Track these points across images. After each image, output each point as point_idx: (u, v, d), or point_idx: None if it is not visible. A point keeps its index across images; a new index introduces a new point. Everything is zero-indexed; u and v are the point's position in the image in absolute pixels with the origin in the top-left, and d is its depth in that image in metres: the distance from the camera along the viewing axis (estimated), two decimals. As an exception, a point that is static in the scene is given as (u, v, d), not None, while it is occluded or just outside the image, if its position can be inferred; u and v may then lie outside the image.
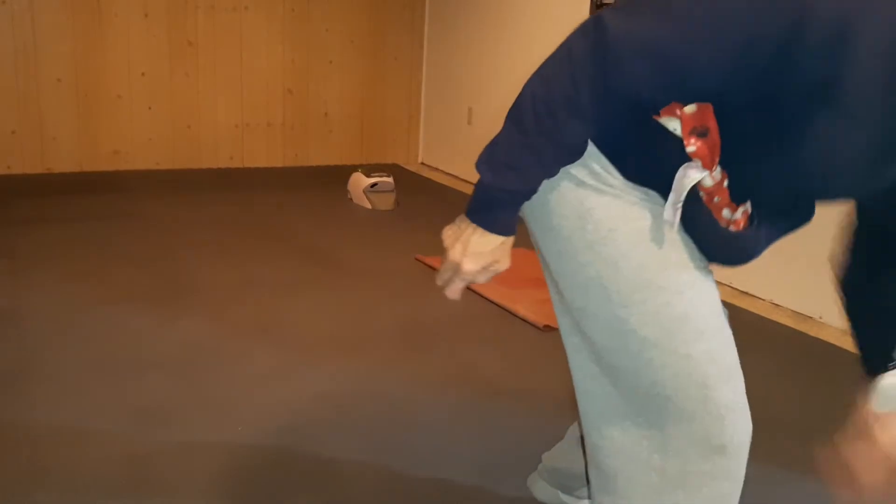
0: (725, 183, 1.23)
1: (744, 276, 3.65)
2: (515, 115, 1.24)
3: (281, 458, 2.15)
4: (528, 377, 2.74)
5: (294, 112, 6.04)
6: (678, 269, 1.26)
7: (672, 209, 1.21)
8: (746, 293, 3.63)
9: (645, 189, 1.25)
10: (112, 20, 5.30)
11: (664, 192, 1.22)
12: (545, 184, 1.25)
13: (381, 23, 6.19)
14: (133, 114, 5.46)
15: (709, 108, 1.18)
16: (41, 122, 5.28)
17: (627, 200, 1.25)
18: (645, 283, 1.24)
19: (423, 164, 6.49)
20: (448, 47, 6.02)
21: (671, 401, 1.32)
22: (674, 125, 1.20)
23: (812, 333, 3.26)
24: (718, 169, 1.21)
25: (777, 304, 3.50)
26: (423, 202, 4.66)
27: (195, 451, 2.16)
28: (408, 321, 3.18)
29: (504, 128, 1.23)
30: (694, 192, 1.21)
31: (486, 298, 3.45)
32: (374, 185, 4.96)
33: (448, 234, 1.30)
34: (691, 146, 1.19)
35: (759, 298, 3.56)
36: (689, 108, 1.18)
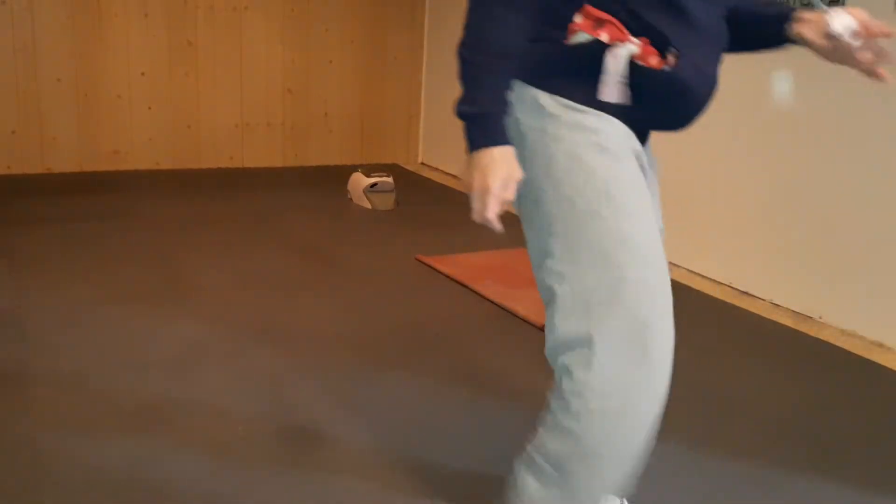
0: (648, 43, 1.46)
1: (744, 277, 3.65)
2: (459, 55, 1.52)
3: (281, 457, 2.16)
4: (528, 377, 2.74)
5: (294, 112, 6.04)
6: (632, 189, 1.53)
7: (618, 87, 1.46)
8: (746, 293, 3.63)
9: (593, 112, 1.49)
10: (112, 20, 5.30)
11: (601, 107, 1.48)
12: (514, 128, 1.50)
13: (381, 23, 6.19)
14: (133, 114, 5.46)
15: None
16: (41, 122, 5.28)
17: (581, 126, 1.49)
18: (606, 195, 1.48)
19: (423, 163, 6.49)
20: (448, 47, 6.02)
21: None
22: (583, 37, 1.45)
23: (812, 333, 3.26)
24: (635, 39, 1.45)
25: (777, 305, 3.50)
26: (423, 202, 4.66)
27: (195, 451, 2.16)
28: (408, 321, 3.18)
29: (458, 69, 1.52)
30: (631, 66, 1.46)
31: (486, 298, 3.45)
32: (373, 185, 4.96)
33: (465, 176, 1.51)
34: (604, 36, 1.44)
35: (759, 298, 3.57)
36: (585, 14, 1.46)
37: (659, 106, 1.52)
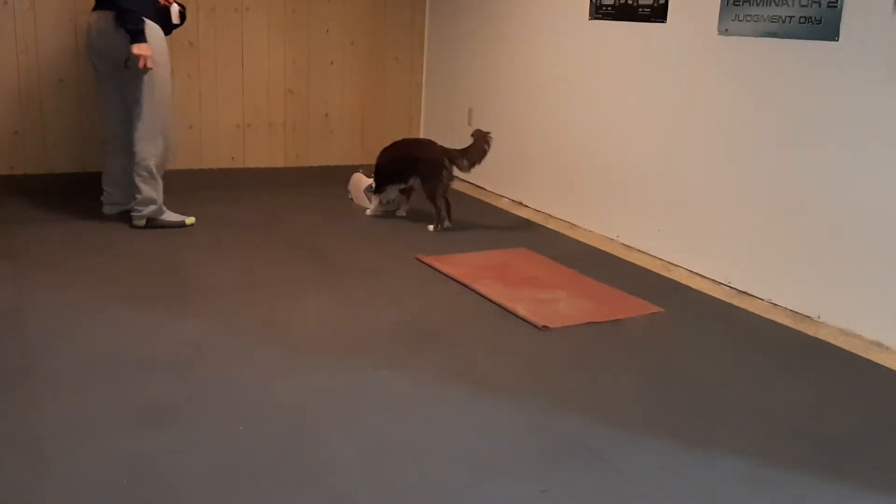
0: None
1: (742, 276, 3.66)
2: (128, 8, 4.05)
3: (281, 457, 2.17)
4: (527, 376, 2.75)
5: (295, 112, 6.05)
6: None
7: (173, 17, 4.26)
8: (745, 293, 3.64)
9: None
10: (113, 21, 5.31)
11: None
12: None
13: (382, 24, 6.21)
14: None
15: None
16: (43, 122, 5.29)
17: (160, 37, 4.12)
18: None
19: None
20: (448, 48, 6.03)
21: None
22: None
23: (810, 333, 3.27)
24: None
25: (775, 304, 3.51)
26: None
27: (196, 451, 2.17)
28: (408, 321, 3.19)
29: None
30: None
31: (485, 298, 3.46)
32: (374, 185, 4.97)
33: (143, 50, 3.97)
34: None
35: (758, 298, 3.57)
36: None
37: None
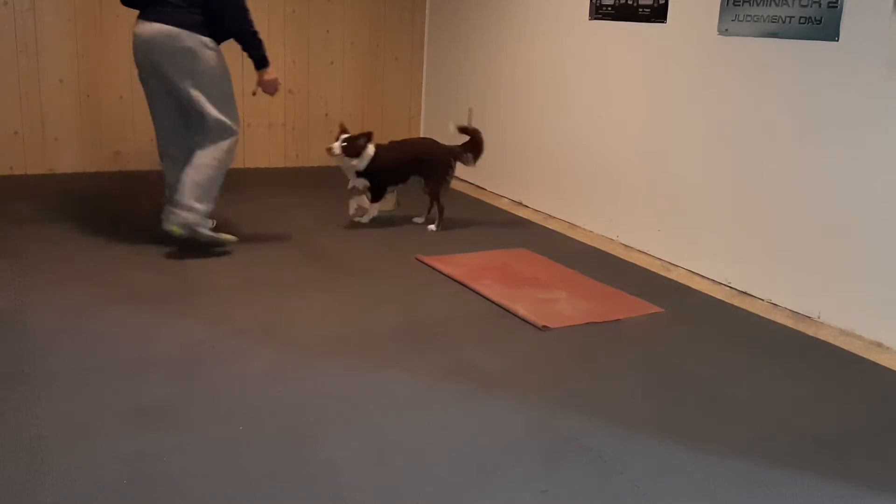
0: None
1: (743, 276, 3.66)
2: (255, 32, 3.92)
3: (281, 457, 2.17)
4: (527, 376, 2.75)
5: (295, 113, 6.05)
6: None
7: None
8: (745, 293, 3.64)
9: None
10: (114, 21, 5.31)
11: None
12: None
13: (382, 24, 6.21)
14: (135, 114, 5.47)
15: None
16: (43, 122, 5.30)
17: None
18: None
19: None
20: (448, 48, 6.03)
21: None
22: None
23: (810, 333, 3.27)
24: None
25: (776, 304, 3.51)
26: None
27: (196, 451, 2.17)
28: (408, 321, 3.19)
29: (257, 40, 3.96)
30: None
31: (486, 298, 3.46)
32: (374, 185, 4.97)
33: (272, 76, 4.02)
34: None
35: (758, 298, 3.57)
36: None
37: None
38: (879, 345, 3.10)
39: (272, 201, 5.03)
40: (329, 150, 4.41)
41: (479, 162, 4.61)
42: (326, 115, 6.16)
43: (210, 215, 3.87)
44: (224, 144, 3.83)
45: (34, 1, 5.09)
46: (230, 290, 3.42)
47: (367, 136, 4.44)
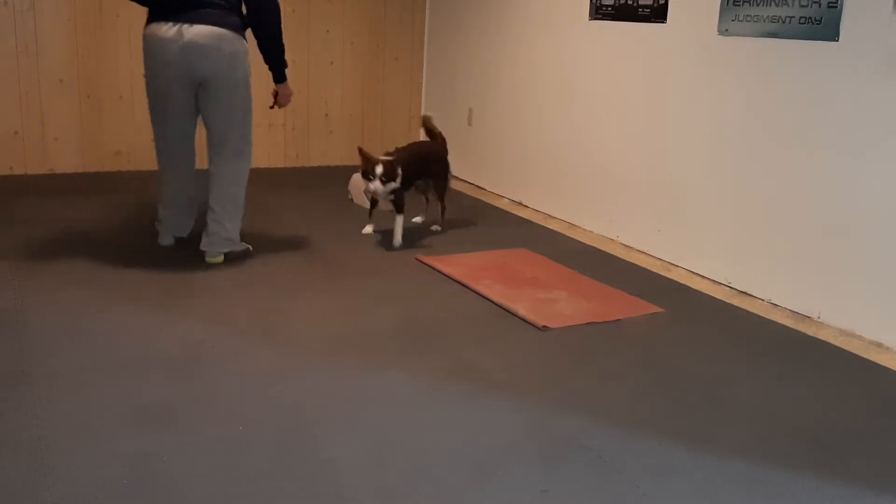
0: None
1: (743, 276, 3.66)
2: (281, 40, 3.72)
3: (281, 457, 2.17)
4: (527, 376, 2.75)
5: (295, 113, 6.05)
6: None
7: None
8: (745, 293, 3.64)
9: None
10: (114, 21, 5.32)
11: None
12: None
13: (382, 24, 6.21)
14: (135, 114, 5.48)
15: None
16: (43, 122, 5.30)
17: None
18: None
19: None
20: (448, 48, 6.03)
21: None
22: None
23: (810, 333, 3.27)
24: None
25: (776, 304, 3.51)
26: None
27: (196, 451, 2.17)
28: (408, 321, 3.19)
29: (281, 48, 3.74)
30: None
31: (486, 298, 3.46)
32: (374, 185, 4.97)
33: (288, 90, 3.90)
34: None
35: (758, 298, 3.58)
36: None
37: None
38: (879, 345, 3.10)
39: (272, 201, 5.03)
40: (373, 191, 4.04)
41: (479, 162, 4.62)
42: (326, 115, 6.16)
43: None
44: (244, 166, 3.75)
45: (34, 1, 5.09)
46: (230, 290, 3.42)
47: (395, 155, 4.16)
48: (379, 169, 3.94)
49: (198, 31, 3.40)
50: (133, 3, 3.62)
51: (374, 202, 4.41)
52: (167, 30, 3.43)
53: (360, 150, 4.08)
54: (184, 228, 3.95)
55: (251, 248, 3.89)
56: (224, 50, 3.44)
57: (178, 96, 3.56)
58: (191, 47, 3.40)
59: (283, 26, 3.65)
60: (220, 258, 3.71)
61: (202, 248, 3.69)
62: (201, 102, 3.58)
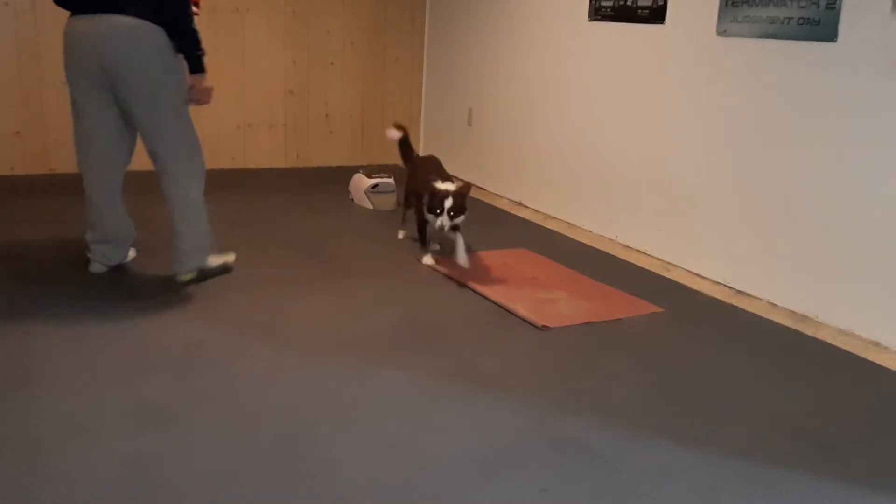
0: None
1: (742, 276, 3.66)
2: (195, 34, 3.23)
3: (281, 457, 2.17)
4: (527, 376, 2.75)
5: (295, 113, 6.05)
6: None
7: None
8: (744, 293, 3.64)
9: None
10: (114, 22, 5.32)
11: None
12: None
13: (382, 24, 6.21)
14: (135, 115, 5.48)
15: None
16: (44, 122, 5.30)
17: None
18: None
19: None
20: (448, 48, 6.03)
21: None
22: None
23: (810, 333, 3.27)
24: None
25: (775, 304, 3.51)
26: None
27: (196, 451, 2.18)
28: (408, 321, 3.20)
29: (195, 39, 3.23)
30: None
31: (486, 298, 3.46)
32: (375, 185, 4.98)
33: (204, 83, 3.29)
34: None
35: (757, 298, 3.58)
36: None
37: None
38: (878, 345, 3.10)
39: (272, 202, 5.03)
40: (439, 227, 3.67)
41: (479, 162, 4.61)
42: (326, 115, 6.17)
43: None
44: (193, 184, 3.39)
45: (35, 1, 5.09)
46: (230, 290, 3.42)
47: (459, 188, 3.72)
48: (448, 203, 3.59)
49: (112, 22, 3.08)
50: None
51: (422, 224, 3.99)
52: (83, 23, 3.17)
53: (430, 186, 3.68)
54: (112, 257, 3.55)
55: (231, 262, 3.66)
56: (139, 40, 3.10)
57: (95, 98, 3.27)
58: (104, 38, 3.11)
59: (191, 11, 3.19)
60: (191, 275, 3.45)
61: (172, 268, 3.45)
62: (124, 106, 3.23)
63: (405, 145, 4.40)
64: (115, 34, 3.10)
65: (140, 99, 3.20)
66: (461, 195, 3.66)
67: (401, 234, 4.37)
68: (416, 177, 4.11)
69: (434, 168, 4.08)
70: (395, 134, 4.37)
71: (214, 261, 3.56)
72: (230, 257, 3.68)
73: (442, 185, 3.70)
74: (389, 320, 3.19)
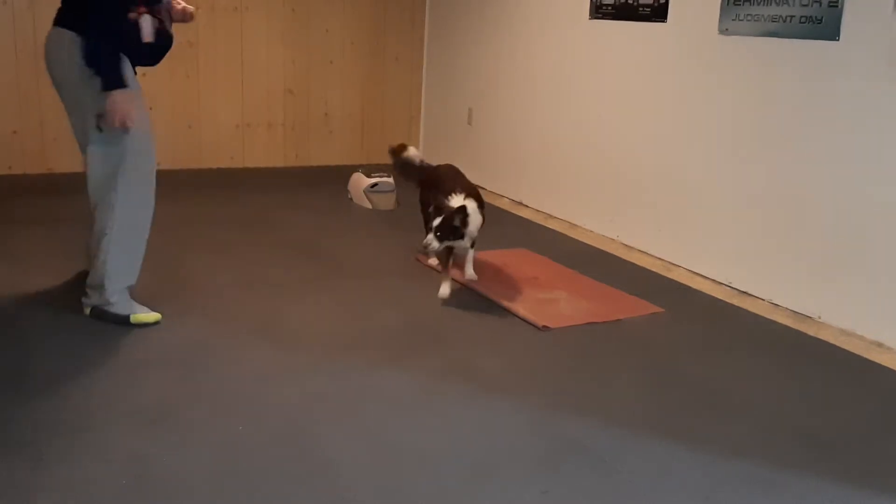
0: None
1: (743, 277, 3.66)
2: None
3: (281, 457, 2.16)
4: (527, 376, 2.75)
5: (295, 112, 6.05)
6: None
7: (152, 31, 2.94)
8: (746, 293, 3.63)
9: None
10: (113, 21, 5.31)
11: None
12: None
13: (382, 23, 6.21)
14: (134, 114, 5.47)
15: None
16: (42, 122, 5.29)
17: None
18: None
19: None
20: (448, 47, 6.03)
21: None
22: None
23: (811, 333, 3.26)
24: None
25: (776, 304, 3.50)
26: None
27: (195, 451, 2.17)
28: (408, 321, 3.19)
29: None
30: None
31: (486, 298, 3.46)
32: (374, 185, 4.97)
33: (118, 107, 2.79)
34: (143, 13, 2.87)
35: (759, 298, 3.57)
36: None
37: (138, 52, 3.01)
38: (880, 345, 3.10)
39: (271, 201, 5.02)
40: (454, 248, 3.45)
41: (479, 162, 4.59)
42: (326, 114, 6.16)
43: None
44: (111, 221, 2.95)
45: (34, 0, 5.08)
46: (230, 289, 3.42)
47: (464, 192, 3.49)
48: (437, 221, 3.30)
49: (49, 34, 2.89)
50: None
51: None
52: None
53: (438, 205, 3.37)
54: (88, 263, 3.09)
55: (149, 322, 3.00)
56: (58, 50, 2.85)
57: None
58: (45, 50, 2.92)
59: (115, 21, 2.84)
60: (86, 311, 3.01)
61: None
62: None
63: (406, 163, 4.10)
64: (47, 45, 2.91)
65: (70, 109, 3.01)
66: (463, 212, 3.32)
67: (445, 290, 3.46)
68: (430, 189, 3.76)
69: (450, 179, 3.71)
70: (415, 152, 4.09)
71: (127, 309, 2.99)
72: (151, 318, 3.00)
73: (451, 201, 3.38)
74: (389, 320, 3.19)
